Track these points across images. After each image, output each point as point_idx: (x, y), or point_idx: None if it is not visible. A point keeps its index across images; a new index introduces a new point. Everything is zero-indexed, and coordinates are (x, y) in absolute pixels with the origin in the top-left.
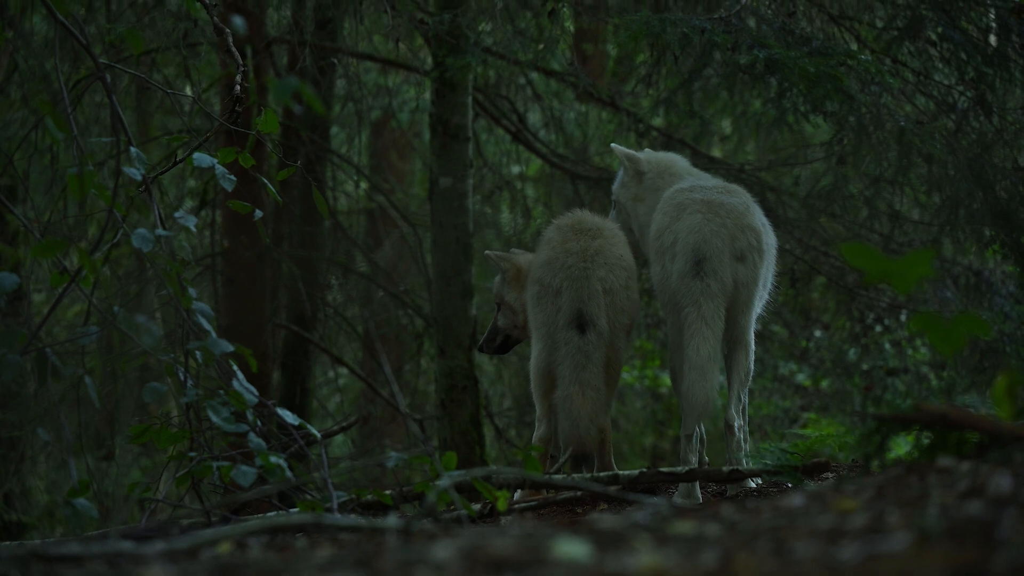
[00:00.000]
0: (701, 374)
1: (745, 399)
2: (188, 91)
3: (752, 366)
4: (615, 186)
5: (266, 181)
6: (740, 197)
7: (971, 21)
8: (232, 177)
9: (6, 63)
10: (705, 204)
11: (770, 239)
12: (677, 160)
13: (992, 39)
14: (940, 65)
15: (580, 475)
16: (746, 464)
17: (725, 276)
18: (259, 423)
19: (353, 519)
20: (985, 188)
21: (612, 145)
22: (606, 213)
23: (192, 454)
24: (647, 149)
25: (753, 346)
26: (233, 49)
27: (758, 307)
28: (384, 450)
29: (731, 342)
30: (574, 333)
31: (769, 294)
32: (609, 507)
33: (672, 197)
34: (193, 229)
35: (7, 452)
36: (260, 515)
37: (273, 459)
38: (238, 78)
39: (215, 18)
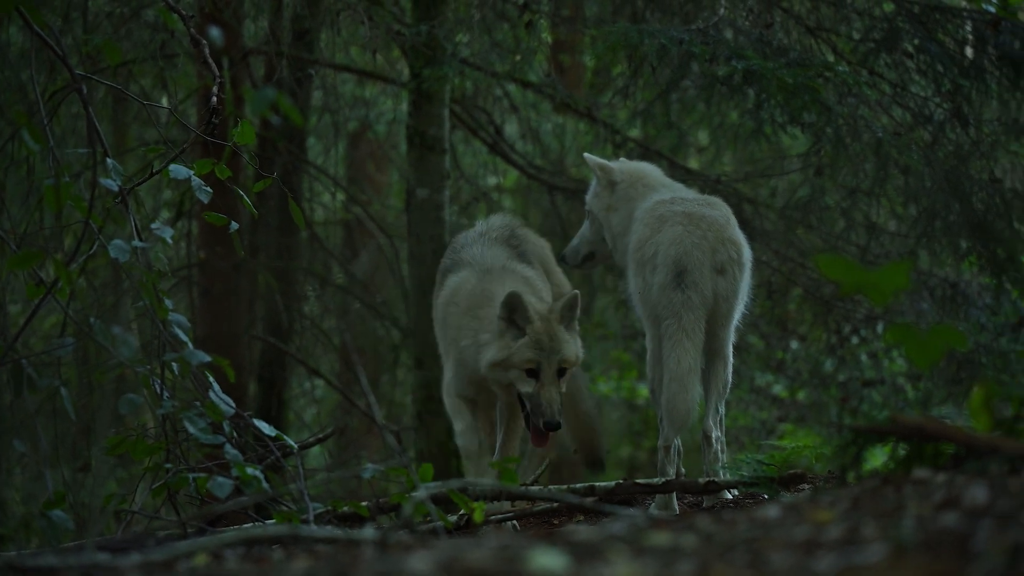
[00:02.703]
0: (682, 385)
1: (723, 411)
2: (165, 102)
3: (730, 378)
4: (588, 196)
5: (242, 193)
6: (721, 210)
7: (947, 33)
8: (208, 189)
9: None
10: (686, 216)
11: (748, 252)
12: (651, 170)
13: (968, 51)
14: (917, 77)
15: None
16: (722, 475)
17: (706, 288)
18: (235, 434)
19: (329, 530)
20: (962, 200)
21: (585, 155)
22: (581, 225)
23: (168, 466)
24: (621, 159)
25: (731, 358)
26: (210, 60)
27: (736, 320)
28: (360, 462)
29: (710, 354)
30: None
31: (746, 307)
32: (586, 519)
33: (653, 209)
34: (169, 240)
35: None
36: (236, 527)
37: (249, 470)
38: (215, 89)
39: (192, 29)
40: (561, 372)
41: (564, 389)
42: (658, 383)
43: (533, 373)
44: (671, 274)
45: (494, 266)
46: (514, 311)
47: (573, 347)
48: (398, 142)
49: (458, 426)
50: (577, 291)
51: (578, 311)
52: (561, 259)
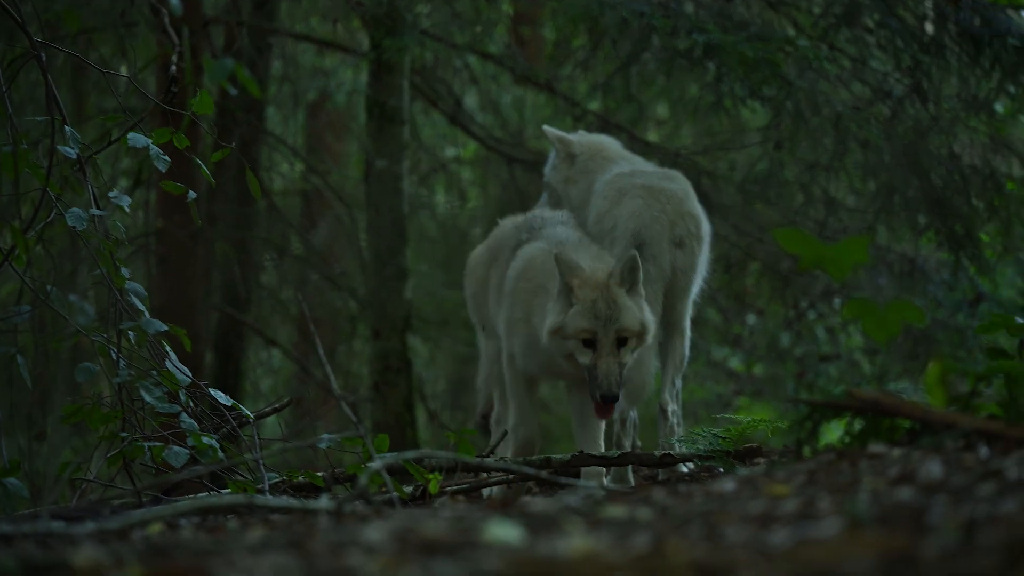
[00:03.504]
0: (638, 359)
1: (679, 384)
2: (124, 71)
3: (687, 352)
4: (547, 169)
5: (200, 162)
6: (680, 183)
7: (908, 9)
8: (166, 158)
9: None
10: (646, 189)
11: (707, 226)
12: (609, 142)
13: (929, 27)
14: (877, 52)
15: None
16: (678, 449)
17: (664, 262)
18: (192, 404)
19: (285, 500)
20: (920, 175)
21: (544, 127)
22: (540, 197)
23: (124, 434)
24: (580, 131)
25: (689, 332)
26: (169, 29)
27: (694, 294)
28: (317, 432)
29: (667, 328)
30: None
31: (704, 280)
32: (541, 491)
33: (613, 181)
34: (127, 209)
35: None
36: (192, 496)
37: (205, 440)
38: (174, 58)
39: None
40: (622, 342)
41: (628, 360)
42: None
43: (590, 343)
44: (630, 247)
45: (569, 240)
46: (568, 275)
47: (635, 314)
48: (357, 113)
49: (515, 415)
50: (635, 251)
51: (640, 273)
52: None
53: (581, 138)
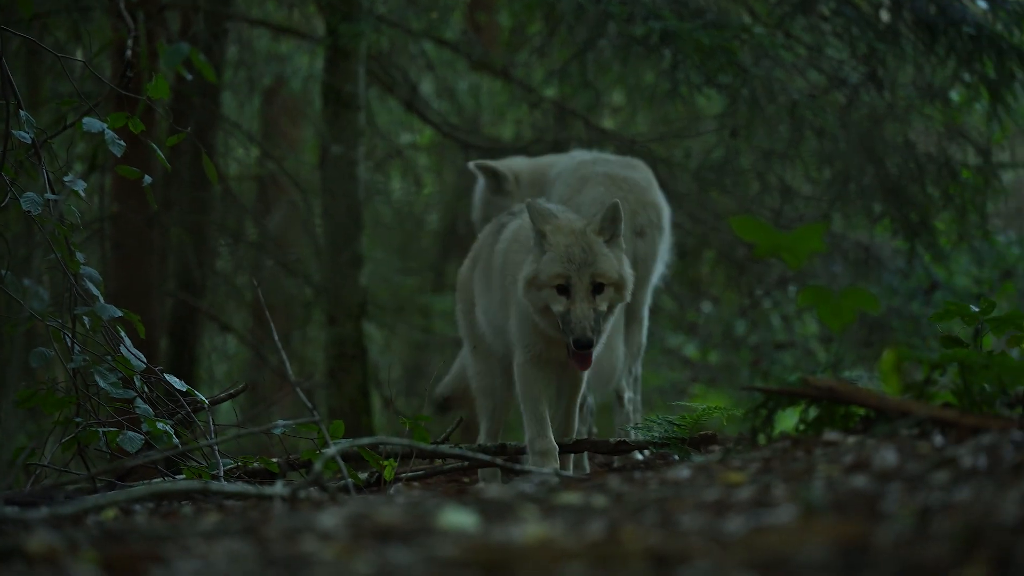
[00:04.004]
0: (608, 344)
1: (637, 372)
2: (79, 55)
3: (645, 340)
4: (479, 205)
5: (155, 147)
6: (642, 172)
7: None
8: (121, 142)
9: None
10: (608, 178)
11: (668, 215)
12: (524, 163)
13: (884, 15)
14: (833, 40)
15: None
16: (633, 436)
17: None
18: (146, 389)
19: (240, 486)
20: (876, 163)
21: (471, 164)
22: None
23: (78, 419)
24: (514, 159)
25: (647, 321)
26: (125, 13)
27: (654, 282)
28: (272, 418)
29: (626, 316)
30: None
31: (667, 266)
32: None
33: (576, 169)
34: (82, 193)
35: None
36: (146, 481)
37: (160, 425)
38: (129, 43)
39: None
40: (598, 288)
41: (604, 308)
42: None
43: (564, 290)
44: None
45: (554, 208)
46: (542, 223)
47: (612, 261)
48: (313, 98)
49: (529, 427)
50: (618, 200)
51: (621, 225)
52: None
53: (513, 165)
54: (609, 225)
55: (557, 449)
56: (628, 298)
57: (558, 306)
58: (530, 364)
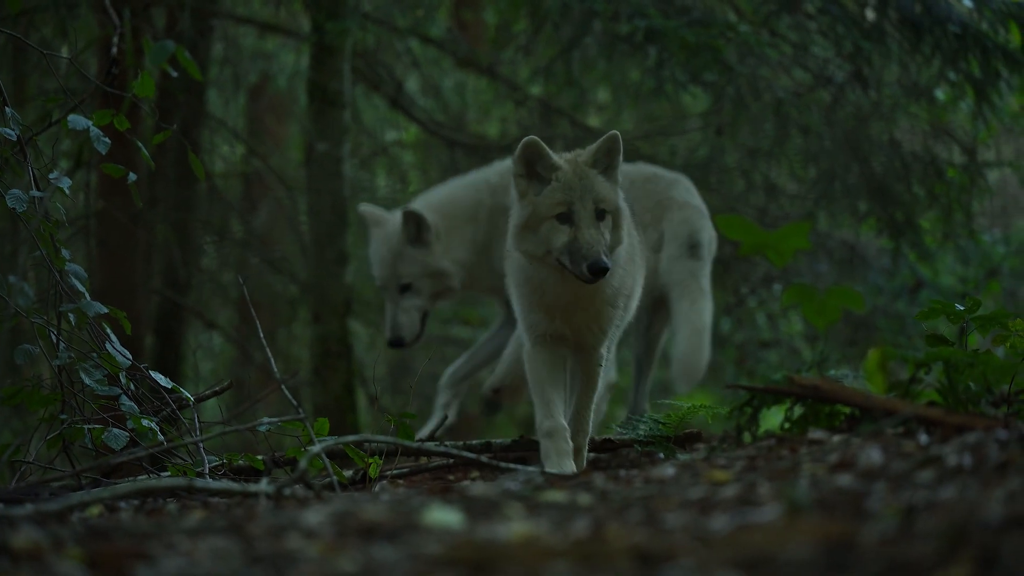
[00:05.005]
0: (694, 329)
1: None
2: (65, 52)
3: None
4: (406, 265)
5: (141, 144)
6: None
7: None
8: (107, 139)
9: None
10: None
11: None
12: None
13: (870, 14)
14: (818, 38)
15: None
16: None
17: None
18: (132, 386)
19: (225, 483)
20: (861, 162)
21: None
22: None
23: (63, 416)
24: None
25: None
26: (111, 10)
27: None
28: (257, 415)
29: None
30: None
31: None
32: (482, 475)
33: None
34: (67, 191)
35: None
36: (131, 478)
37: (145, 422)
38: (115, 40)
39: None
40: (600, 215)
41: (609, 237)
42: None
43: (566, 218)
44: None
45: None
46: (534, 162)
47: (610, 189)
48: (298, 96)
49: (539, 410)
50: (617, 132)
51: (619, 157)
52: (396, 343)
53: (427, 206)
54: (603, 157)
55: (567, 429)
56: (623, 239)
57: (562, 237)
58: (537, 349)
